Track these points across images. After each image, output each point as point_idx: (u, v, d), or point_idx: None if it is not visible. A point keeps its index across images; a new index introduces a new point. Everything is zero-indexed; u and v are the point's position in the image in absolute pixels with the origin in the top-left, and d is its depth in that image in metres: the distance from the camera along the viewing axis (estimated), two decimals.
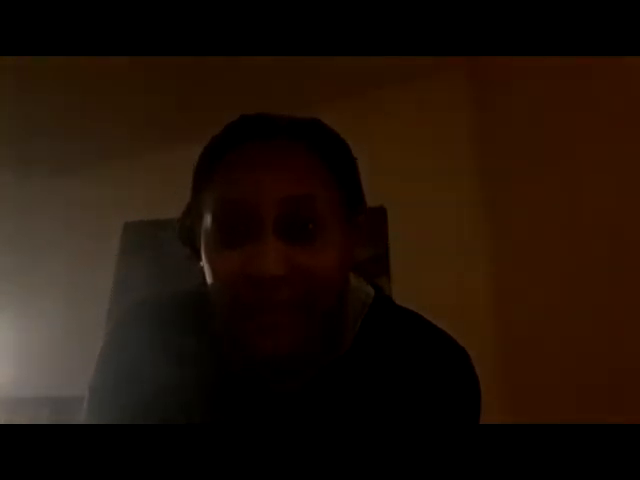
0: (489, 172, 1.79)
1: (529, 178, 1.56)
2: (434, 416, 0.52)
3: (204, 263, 0.50)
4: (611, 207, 1.21)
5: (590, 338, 1.23)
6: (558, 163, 1.43)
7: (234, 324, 0.49)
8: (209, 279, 0.49)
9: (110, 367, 0.57)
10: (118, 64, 1.79)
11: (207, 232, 0.49)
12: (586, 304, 1.27)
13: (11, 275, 2.32)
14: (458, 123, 1.91)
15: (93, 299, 2.18)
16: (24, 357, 2.22)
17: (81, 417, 0.57)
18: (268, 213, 0.46)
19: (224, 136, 0.52)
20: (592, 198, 1.28)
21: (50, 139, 2.27)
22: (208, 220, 0.49)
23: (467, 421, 0.54)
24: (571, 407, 1.22)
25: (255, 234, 0.46)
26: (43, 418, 2.06)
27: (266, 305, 0.46)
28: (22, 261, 2.37)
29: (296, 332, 0.47)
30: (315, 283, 0.47)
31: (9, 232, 2.35)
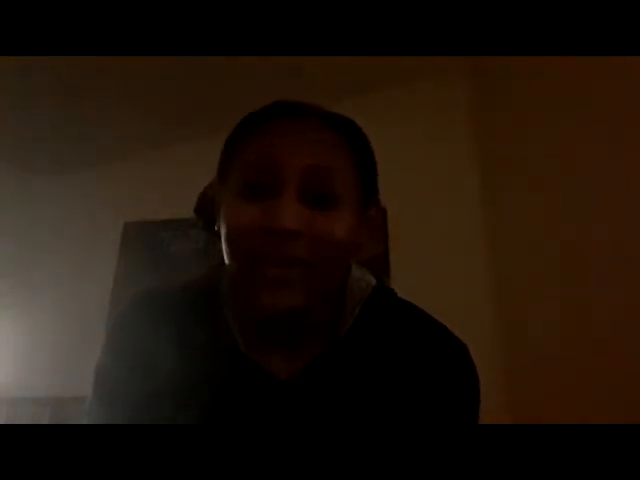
0: (489, 172, 1.79)
1: (529, 178, 1.56)
2: (432, 409, 0.52)
3: (221, 221, 0.53)
4: (612, 205, 1.21)
5: (590, 338, 1.23)
6: (558, 163, 1.43)
7: (244, 278, 0.50)
8: (225, 232, 0.51)
9: (119, 350, 0.58)
10: (118, 64, 1.79)
11: (231, 189, 0.52)
12: (586, 303, 1.27)
13: (12, 275, 2.33)
14: (458, 123, 1.92)
15: (93, 299, 2.18)
16: (25, 357, 2.23)
17: (87, 401, 0.58)
18: (293, 175, 0.49)
19: (261, 111, 0.55)
20: (592, 197, 1.28)
21: (50, 139, 2.27)
22: (234, 178, 0.52)
23: (466, 414, 0.54)
24: (571, 407, 1.22)
25: (277, 192, 0.49)
26: (44, 418, 2.06)
27: (278, 258, 0.48)
28: (22, 261, 2.37)
29: (299, 292, 0.48)
30: (325, 248, 0.49)
31: (9, 232, 2.35)
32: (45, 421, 2.05)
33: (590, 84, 1.32)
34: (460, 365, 0.56)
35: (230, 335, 0.55)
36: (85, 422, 0.56)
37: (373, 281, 0.61)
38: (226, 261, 0.52)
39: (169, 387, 0.53)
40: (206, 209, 0.59)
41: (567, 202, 1.38)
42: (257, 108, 0.56)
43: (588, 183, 1.30)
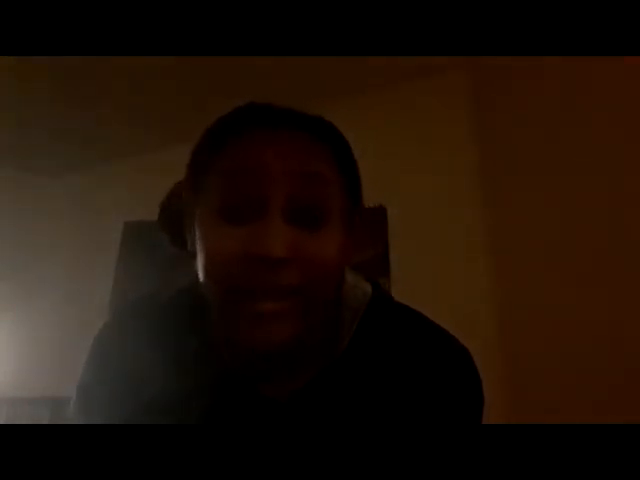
0: (489, 172, 1.79)
1: (529, 177, 1.56)
2: (436, 419, 0.51)
3: (197, 242, 0.48)
4: (612, 205, 1.21)
5: (591, 337, 1.23)
6: (558, 162, 1.43)
7: (228, 313, 0.46)
8: (202, 259, 0.46)
9: (102, 365, 0.55)
10: (118, 64, 1.79)
11: (207, 207, 0.47)
12: (587, 303, 1.27)
13: (11, 275, 2.33)
14: (458, 123, 1.91)
15: (93, 299, 2.19)
16: (24, 357, 2.23)
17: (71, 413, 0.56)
18: (278, 188, 0.44)
19: (233, 118, 0.50)
20: (592, 197, 1.28)
21: (50, 139, 2.27)
22: (211, 194, 0.47)
23: (469, 422, 0.53)
24: (571, 407, 1.22)
25: (261, 212, 0.44)
26: (43, 418, 2.06)
27: (265, 290, 0.43)
28: (22, 261, 2.37)
29: (294, 324, 0.44)
30: (316, 272, 0.45)
31: (9, 232, 2.35)
32: (45, 421, 2.05)
33: (590, 84, 1.32)
34: (463, 372, 0.54)
35: (221, 356, 0.52)
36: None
37: (369, 289, 0.58)
38: (205, 292, 0.47)
39: (155, 406, 0.50)
40: (172, 222, 0.55)
41: (568, 202, 1.38)
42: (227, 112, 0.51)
43: (588, 182, 1.30)
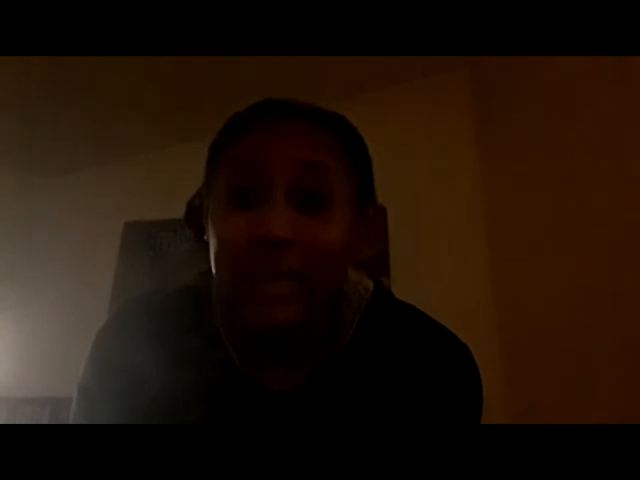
0: (489, 172, 1.79)
1: (529, 178, 1.56)
2: (436, 415, 0.52)
3: (209, 231, 0.50)
4: (612, 206, 1.21)
5: (591, 339, 1.23)
6: (558, 163, 1.43)
7: (234, 295, 0.47)
8: (213, 245, 0.48)
9: (102, 364, 0.55)
10: (118, 64, 1.79)
11: (217, 196, 0.49)
12: (587, 304, 1.27)
13: (11, 275, 2.33)
14: (458, 123, 1.91)
15: (93, 299, 2.18)
16: (24, 357, 2.23)
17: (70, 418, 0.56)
18: (281, 175, 0.46)
19: (246, 111, 0.53)
20: (593, 198, 1.28)
21: (50, 139, 2.27)
22: (220, 183, 0.49)
23: (469, 418, 0.54)
24: (571, 407, 1.22)
25: (265, 197, 0.46)
26: (43, 418, 2.06)
27: (269, 272, 0.45)
28: (22, 261, 2.37)
29: (297, 308, 0.46)
30: (319, 256, 0.46)
31: (9, 233, 2.35)
32: (45, 421, 2.05)
33: (590, 84, 1.32)
34: (463, 369, 0.55)
35: (224, 347, 0.52)
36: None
37: (371, 285, 0.59)
38: (215, 275, 0.49)
39: (158, 403, 0.50)
40: (195, 218, 0.58)
41: (569, 202, 1.38)
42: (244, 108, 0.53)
43: (590, 183, 1.30)
